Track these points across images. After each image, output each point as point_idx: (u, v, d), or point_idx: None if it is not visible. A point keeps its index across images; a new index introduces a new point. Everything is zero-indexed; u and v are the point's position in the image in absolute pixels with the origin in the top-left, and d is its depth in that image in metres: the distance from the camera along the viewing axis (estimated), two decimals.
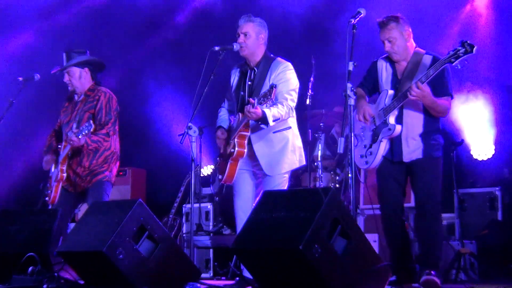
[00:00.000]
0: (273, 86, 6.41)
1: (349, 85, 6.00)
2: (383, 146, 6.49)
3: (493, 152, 9.31)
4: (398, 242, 6.57)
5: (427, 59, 6.46)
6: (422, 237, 6.50)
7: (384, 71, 6.67)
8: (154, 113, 12.43)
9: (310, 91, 9.47)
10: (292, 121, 6.89)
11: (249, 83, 6.89)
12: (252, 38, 6.84)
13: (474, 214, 7.73)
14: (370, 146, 6.56)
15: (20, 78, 8.08)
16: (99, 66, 7.73)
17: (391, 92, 6.52)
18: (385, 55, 6.71)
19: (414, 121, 6.47)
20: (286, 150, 6.78)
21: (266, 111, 6.50)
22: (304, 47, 10.33)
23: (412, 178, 6.54)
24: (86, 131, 7.13)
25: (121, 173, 10.73)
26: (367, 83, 6.79)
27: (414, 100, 6.33)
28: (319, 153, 9.40)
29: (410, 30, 6.55)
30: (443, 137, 6.61)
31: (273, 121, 6.54)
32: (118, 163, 7.65)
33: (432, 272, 6.23)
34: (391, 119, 6.45)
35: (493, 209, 8.09)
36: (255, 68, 6.89)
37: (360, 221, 7.87)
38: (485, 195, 8.15)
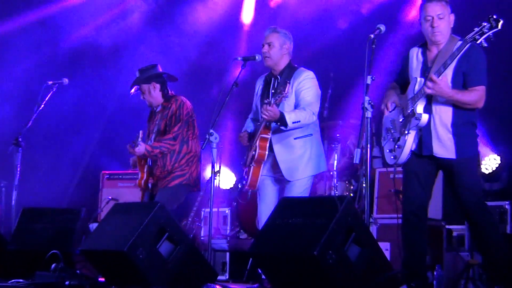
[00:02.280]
0: (287, 81, 6.57)
1: (366, 98, 5.98)
2: (411, 139, 6.04)
3: (498, 162, 9.29)
4: (415, 246, 6.20)
5: (458, 45, 5.88)
6: (477, 242, 6.22)
7: (415, 59, 6.25)
8: None
9: (327, 103, 9.63)
10: (314, 129, 6.98)
11: (273, 91, 7.01)
12: (276, 48, 6.96)
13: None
14: (398, 140, 6.15)
15: (50, 82, 8.33)
16: (168, 78, 7.93)
17: (420, 79, 6.05)
18: (420, 43, 6.31)
19: (443, 110, 5.99)
20: (306, 156, 6.86)
21: (285, 112, 6.63)
22: (323, 60, 10.47)
23: (448, 179, 6.21)
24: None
25: None
26: (399, 76, 6.46)
27: None
28: (335, 162, 9.54)
29: (454, 16, 6.10)
30: (476, 130, 6.11)
31: (293, 123, 6.63)
32: (198, 165, 7.77)
33: None
34: (419, 108, 5.98)
35: (502, 222, 8.13)
36: (278, 77, 7.01)
37: (373, 230, 7.98)
38: (495, 209, 8.16)
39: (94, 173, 11.67)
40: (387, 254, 7.45)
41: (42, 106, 8.29)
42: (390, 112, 6.36)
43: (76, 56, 12.07)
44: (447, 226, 7.96)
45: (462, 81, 5.97)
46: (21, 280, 6.69)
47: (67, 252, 6.68)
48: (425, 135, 6.06)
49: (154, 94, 7.83)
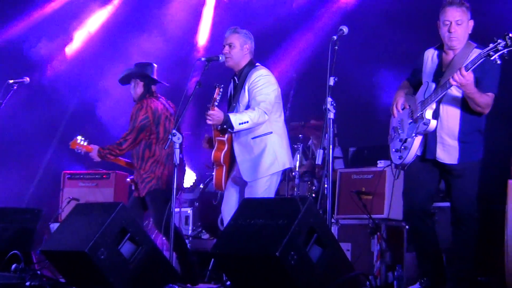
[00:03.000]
0: (216, 86, 6.60)
1: (329, 99, 6.04)
2: (417, 142, 6.14)
3: None
4: (424, 246, 6.38)
5: (476, 53, 5.92)
6: (456, 249, 6.27)
7: (430, 61, 6.34)
8: None
9: (289, 103, 9.66)
10: (275, 126, 6.92)
11: (232, 92, 7.04)
12: (237, 48, 6.96)
13: (444, 227, 7.86)
14: (405, 141, 6.23)
15: (11, 81, 8.28)
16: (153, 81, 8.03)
17: (431, 85, 6.15)
18: (437, 44, 6.38)
19: (451, 116, 6.10)
20: (264, 155, 6.81)
21: (230, 115, 6.62)
22: (286, 61, 10.50)
23: (447, 184, 6.30)
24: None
25: (104, 176, 10.84)
26: (412, 76, 6.52)
27: (453, 95, 6.06)
28: (297, 163, 9.58)
29: (473, 23, 6.17)
30: (483, 139, 6.23)
31: (239, 124, 6.60)
32: (166, 168, 7.79)
33: None
34: (428, 113, 6.07)
35: None
36: (235, 77, 7.04)
37: (335, 231, 8.03)
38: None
39: (54, 173, 11.60)
40: (348, 254, 7.48)
41: (3, 105, 8.24)
42: (399, 112, 6.42)
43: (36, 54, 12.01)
44: (407, 227, 8.02)
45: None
46: None
47: (28, 252, 6.64)
48: (430, 139, 6.18)
49: (137, 90, 7.96)
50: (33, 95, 11.59)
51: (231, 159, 6.92)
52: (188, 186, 11.02)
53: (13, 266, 6.43)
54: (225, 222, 6.85)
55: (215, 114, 6.57)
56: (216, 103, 6.65)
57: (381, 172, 8.10)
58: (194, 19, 12.36)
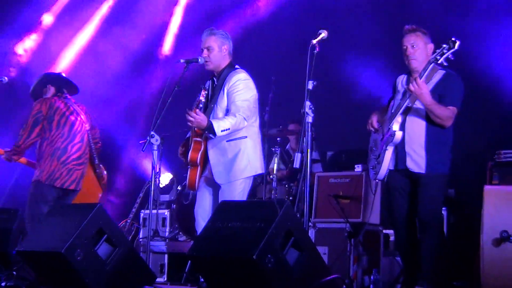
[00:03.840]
0: (201, 87, 6.70)
1: (307, 103, 6.12)
2: (388, 154, 6.43)
3: None
4: (409, 257, 6.61)
5: (439, 74, 6.44)
6: (424, 254, 6.44)
7: (400, 85, 6.65)
8: (116, 119, 12.53)
9: (268, 107, 9.66)
10: (250, 130, 6.89)
11: (211, 92, 6.98)
12: (215, 51, 6.91)
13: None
14: (379, 156, 6.53)
15: None
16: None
17: (398, 101, 6.52)
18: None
19: (416, 128, 6.40)
20: (237, 159, 6.79)
21: (213, 121, 6.58)
22: (265, 63, 10.51)
23: (414, 192, 6.49)
24: None
25: None
26: (388, 102, 6.81)
27: (418, 108, 6.35)
28: (275, 166, 9.59)
29: (433, 46, 6.48)
30: (450, 150, 6.50)
31: (222, 131, 6.58)
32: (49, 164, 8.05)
33: None
34: (395, 126, 6.39)
35: None
36: (214, 79, 6.99)
37: (312, 234, 8.04)
38: None
39: (32, 173, 11.54)
40: (325, 258, 7.51)
41: None
42: (374, 132, 6.71)
43: None
44: (384, 231, 8.06)
45: (437, 102, 6.29)
46: None
47: (4, 252, 6.61)
48: (400, 150, 6.44)
49: (48, 96, 8.30)
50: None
51: (205, 160, 6.90)
52: (163, 186, 11.01)
53: None
54: (198, 224, 6.90)
55: (198, 118, 6.52)
56: (201, 105, 6.65)
57: (358, 176, 8.14)
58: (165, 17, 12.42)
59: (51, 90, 8.29)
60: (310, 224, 8.22)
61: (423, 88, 6.15)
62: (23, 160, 8.38)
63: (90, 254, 5.94)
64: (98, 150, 8.50)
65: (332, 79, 9.95)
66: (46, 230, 6.38)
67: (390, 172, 6.51)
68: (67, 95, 8.32)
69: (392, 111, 6.50)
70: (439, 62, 6.13)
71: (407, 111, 6.41)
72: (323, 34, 6.35)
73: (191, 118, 6.52)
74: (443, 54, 6.09)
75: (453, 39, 6.08)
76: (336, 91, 10.27)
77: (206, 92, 6.68)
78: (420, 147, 6.39)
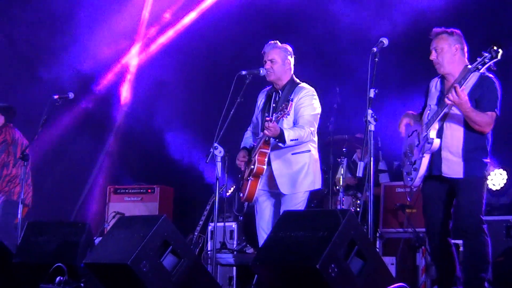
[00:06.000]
0: (289, 100, 6.61)
1: (369, 111, 6.06)
2: (425, 162, 6.34)
3: (506, 178, 9.29)
4: (444, 264, 6.50)
5: (474, 76, 6.21)
6: (464, 260, 6.37)
7: (434, 88, 6.58)
8: (183, 133, 12.66)
9: (333, 117, 9.64)
10: (312, 146, 6.99)
11: (274, 105, 7.05)
12: (279, 63, 7.00)
13: (490, 241, 7.79)
14: (415, 163, 6.44)
15: (56, 96, 8.41)
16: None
17: (434, 107, 6.42)
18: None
19: (454, 135, 6.31)
20: (302, 172, 6.88)
21: (284, 130, 6.64)
22: (329, 74, 10.49)
23: (453, 198, 6.41)
24: None
25: (149, 190, 10.95)
26: (422, 108, 6.69)
27: (456, 114, 6.26)
28: (341, 177, 9.55)
29: (461, 46, 6.40)
30: (487, 156, 6.37)
31: (291, 140, 6.65)
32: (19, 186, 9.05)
33: None
34: (432, 133, 6.29)
35: (509, 237, 8.10)
36: (279, 91, 7.06)
37: (379, 244, 7.99)
38: (501, 223, 8.15)
39: (101, 187, 11.75)
40: (392, 268, 7.46)
41: (46, 119, 8.38)
42: (408, 137, 6.64)
43: None
44: (453, 241, 7.92)
45: (474, 107, 6.18)
46: None
47: (72, 265, 6.69)
48: (435, 157, 6.34)
49: None
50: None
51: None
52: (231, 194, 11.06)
53: (57, 278, 6.49)
54: (260, 235, 7.01)
55: (275, 127, 6.58)
56: (286, 117, 6.66)
57: None
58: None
59: (1, 118, 9.37)
60: (377, 234, 8.17)
61: (463, 97, 6.02)
62: None
63: (156, 266, 5.97)
64: None
65: (397, 87, 9.88)
66: (112, 242, 6.44)
67: (426, 178, 6.46)
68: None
69: (429, 117, 6.41)
70: (480, 71, 5.98)
71: (444, 117, 6.34)
72: (385, 41, 6.30)
73: (270, 127, 6.55)
74: (485, 63, 5.90)
75: (495, 48, 5.86)
76: (400, 99, 10.19)
77: (292, 104, 6.68)
78: (458, 153, 6.30)
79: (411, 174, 6.48)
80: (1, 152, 9.04)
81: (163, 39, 12.76)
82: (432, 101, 6.50)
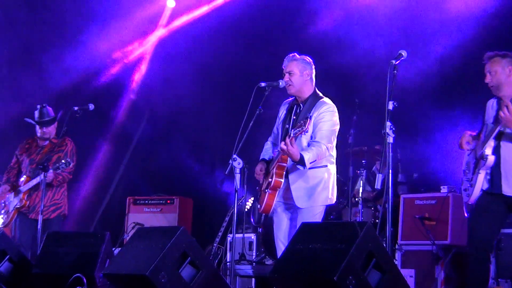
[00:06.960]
0: (307, 117, 6.60)
1: (388, 123, 6.06)
2: (481, 178, 6.40)
3: None
4: (481, 279, 6.48)
5: None
6: None
7: (490, 108, 6.63)
8: (202, 144, 12.71)
9: (353, 129, 9.65)
10: (330, 160, 6.95)
11: (294, 117, 7.05)
12: (297, 75, 6.97)
13: (511, 254, 7.76)
14: (471, 179, 6.52)
15: (76, 108, 8.47)
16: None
17: (490, 125, 6.49)
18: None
19: (511, 152, 6.41)
20: (319, 186, 6.85)
21: (304, 154, 6.60)
22: (349, 86, 10.50)
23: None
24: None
25: (168, 201, 10.99)
26: (482, 127, 6.75)
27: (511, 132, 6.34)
28: (360, 189, 9.55)
29: None
30: None
31: (310, 162, 6.63)
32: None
33: None
34: (487, 150, 6.38)
35: None
36: (301, 104, 7.05)
37: (398, 256, 7.97)
38: None
39: (120, 198, 11.80)
40: (411, 280, 7.43)
41: (66, 129, 8.46)
42: (467, 156, 6.71)
43: None
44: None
45: None
46: None
47: (91, 275, 6.72)
48: (495, 174, 6.40)
49: (52, 132, 9.13)
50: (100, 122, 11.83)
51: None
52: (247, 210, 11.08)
53: None
54: (278, 246, 6.97)
55: (292, 150, 6.55)
56: (304, 134, 6.66)
57: (444, 198, 8.05)
58: None
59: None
60: (396, 246, 8.15)
61: None
62: None
63: (175, 277, 6.00)
64: None
65: (416, 100, 9.87)
66: (131, 253, 6.48)
67: (483, 193, 6.46)
68: None
69: (484, 136, 6.46)
70: None
71: (500, 136, 6.37)
72: (403, 54, 6.29)
73: (285, 147, 6.55)
74: None
75: None
76: (420, 112, 10.18)
77: (311, 121, 6.68)
78: None
79: (468, 190, 6.55)
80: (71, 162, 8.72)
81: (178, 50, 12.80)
82: (489, 120, 6.56)
